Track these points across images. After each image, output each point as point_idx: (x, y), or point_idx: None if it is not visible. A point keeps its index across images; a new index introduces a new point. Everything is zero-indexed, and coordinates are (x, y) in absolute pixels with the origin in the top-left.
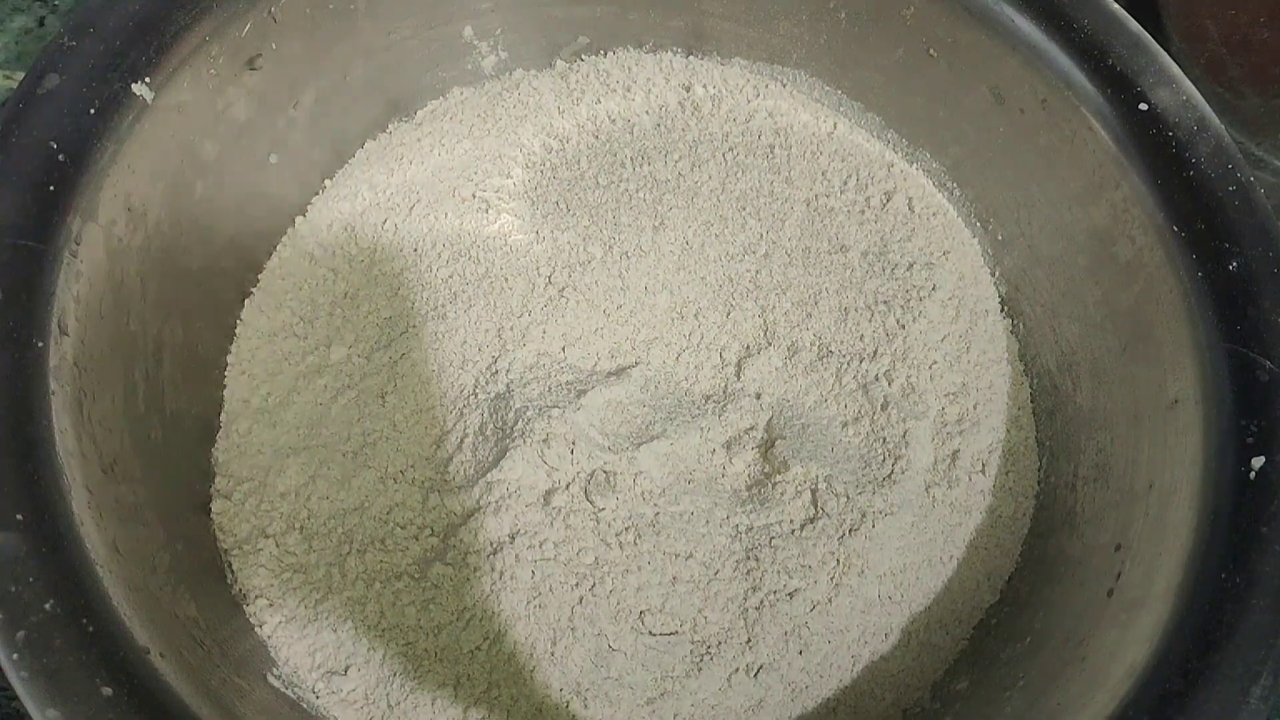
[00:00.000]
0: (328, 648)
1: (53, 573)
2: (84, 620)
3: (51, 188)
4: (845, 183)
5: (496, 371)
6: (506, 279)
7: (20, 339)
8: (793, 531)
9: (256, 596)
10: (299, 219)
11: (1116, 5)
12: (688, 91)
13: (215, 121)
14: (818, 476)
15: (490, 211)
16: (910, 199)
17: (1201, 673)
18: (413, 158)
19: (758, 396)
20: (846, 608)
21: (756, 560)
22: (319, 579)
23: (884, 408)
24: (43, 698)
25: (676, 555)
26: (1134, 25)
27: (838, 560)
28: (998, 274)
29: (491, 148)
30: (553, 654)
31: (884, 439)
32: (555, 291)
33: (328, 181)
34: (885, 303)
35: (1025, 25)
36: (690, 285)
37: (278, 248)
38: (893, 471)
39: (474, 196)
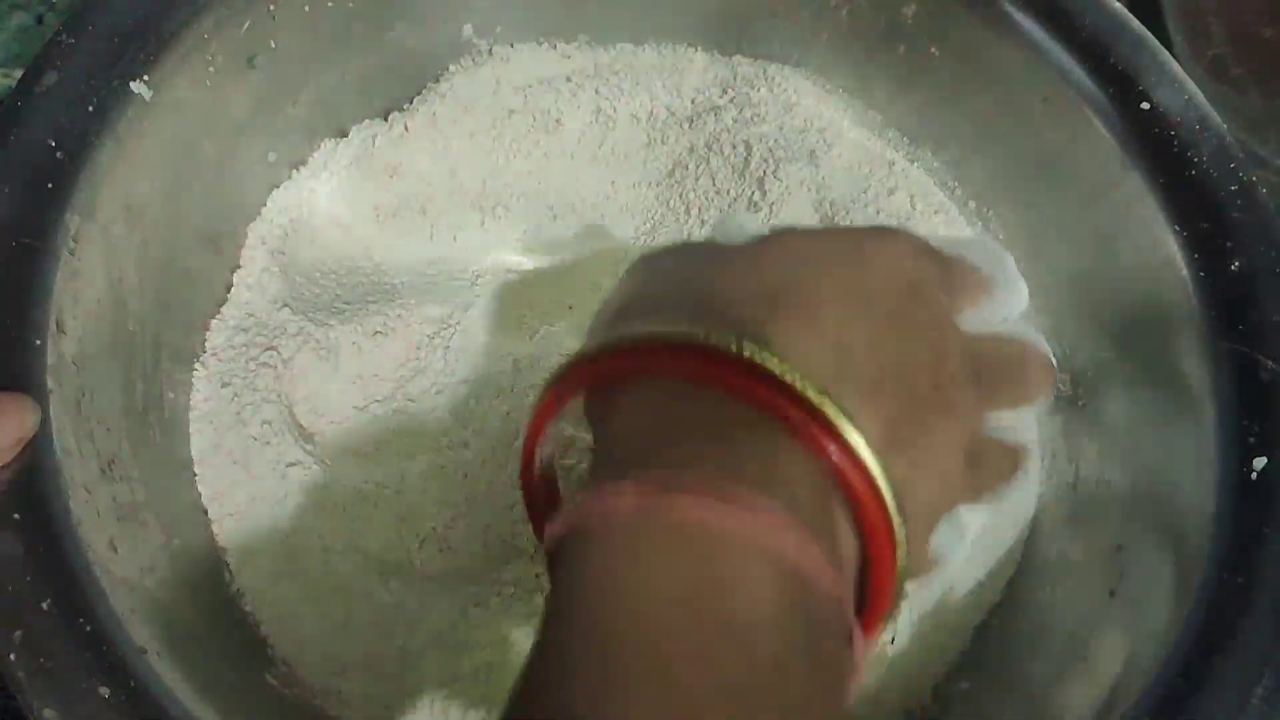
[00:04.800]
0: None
1: (50, 572)
2: (81, 620)
3: (49, 186)
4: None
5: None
6: (507, 278)
7: (18, 337)
8: None
9: (255, 595)
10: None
11: (1119, 4)
12: (687, 89)
13: (214, 120)
14: None
15: (490, 210)
16: (912, 196)
17: (1204, 674)
18: (413, 156)
19: None
20: None
21: None
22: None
23: None
24: (40, 697)
25: None
26: (1137, 24)
27: None
28: None
29: (491, 146)
30: None
31: None
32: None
33: (328, 180)
34: None
35: (1027, 24)
36: None
37: None
38: None
39: (474, 195)
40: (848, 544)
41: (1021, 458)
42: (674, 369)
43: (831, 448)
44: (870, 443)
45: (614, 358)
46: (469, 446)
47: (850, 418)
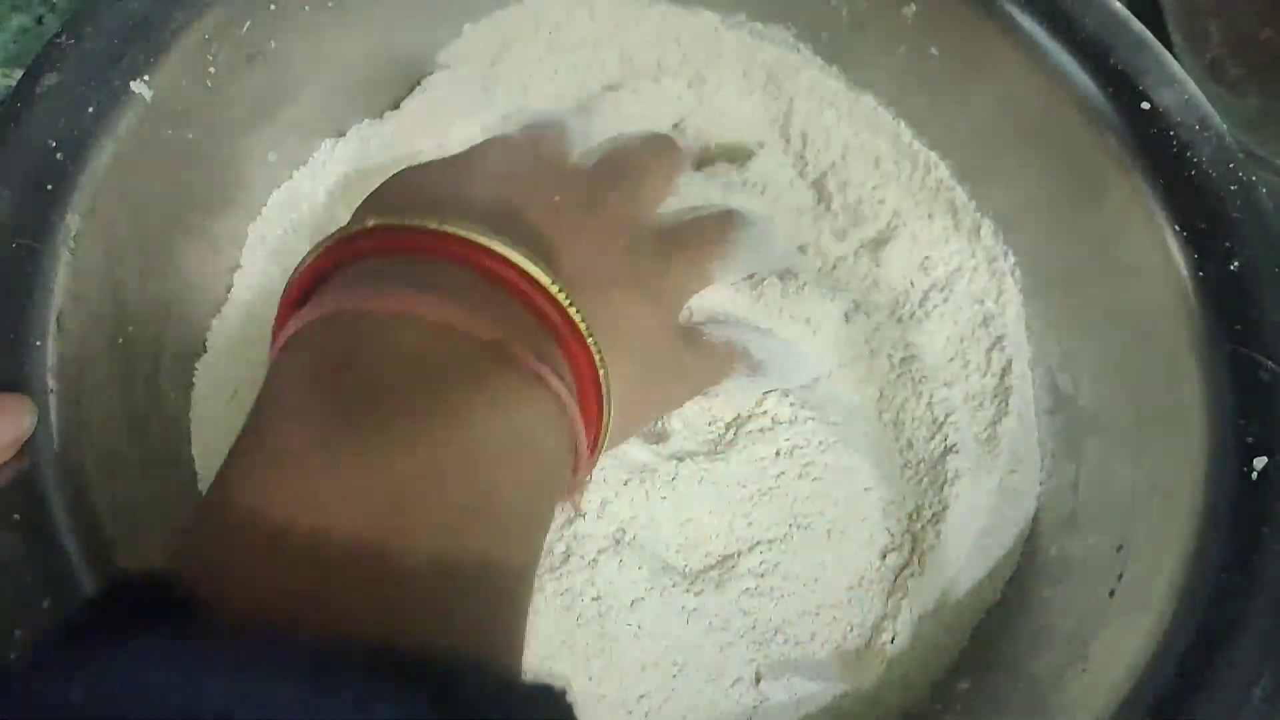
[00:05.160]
0: None
1: (50, 572)
2: None
3: (50, 186)
4: None
5: None
6: None
7: (18, 337)
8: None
9: None
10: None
11: (1119, 5)
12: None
13: (215, 119)
14: None
15: None
16: (913, 195)
17: (1202, 673)
18: (412, 157)
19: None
20: None
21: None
22: None
23: None
24: None
25: None
26: (1137, 25)
27: None
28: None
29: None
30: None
31: None
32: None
33: (327, 180)
34: None
35: (1028, 24)
36: None
37: None
38: None
39: None
40: (538, 336)
41: (731, 219)
42: (372, 247)
43: (481, 256)
44: (521, 247)
45: (333, 246)
46: None
47: (500, 235)
